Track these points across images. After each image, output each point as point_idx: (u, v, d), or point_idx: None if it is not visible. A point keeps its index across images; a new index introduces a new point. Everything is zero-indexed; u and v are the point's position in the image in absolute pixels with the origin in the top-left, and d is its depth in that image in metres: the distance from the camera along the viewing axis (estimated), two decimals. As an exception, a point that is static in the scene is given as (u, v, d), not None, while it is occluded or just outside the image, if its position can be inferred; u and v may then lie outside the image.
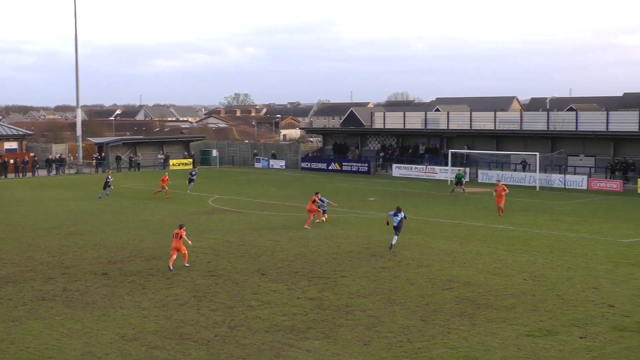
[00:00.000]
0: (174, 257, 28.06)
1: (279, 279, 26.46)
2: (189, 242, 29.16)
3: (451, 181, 57.23)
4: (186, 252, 28.65)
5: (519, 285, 25.36)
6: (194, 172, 57.69)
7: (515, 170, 66.92)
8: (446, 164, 67.19)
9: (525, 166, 66.84)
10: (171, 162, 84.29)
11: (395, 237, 32.14)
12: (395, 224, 32.13)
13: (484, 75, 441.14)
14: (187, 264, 28.52)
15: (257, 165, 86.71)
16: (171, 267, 27.83)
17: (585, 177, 60.55)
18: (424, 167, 70.67)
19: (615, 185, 58.15)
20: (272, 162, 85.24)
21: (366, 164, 75.83)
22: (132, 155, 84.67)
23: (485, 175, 65.16)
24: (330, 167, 78.49)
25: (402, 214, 32.29)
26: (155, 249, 32.42)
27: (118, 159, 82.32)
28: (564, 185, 60.27)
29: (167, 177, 54.56)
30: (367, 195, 54.39)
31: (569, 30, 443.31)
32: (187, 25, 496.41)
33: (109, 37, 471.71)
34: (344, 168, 76.99)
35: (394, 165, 73.91)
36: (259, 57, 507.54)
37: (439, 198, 52.40)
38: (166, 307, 22.77)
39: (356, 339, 19.49)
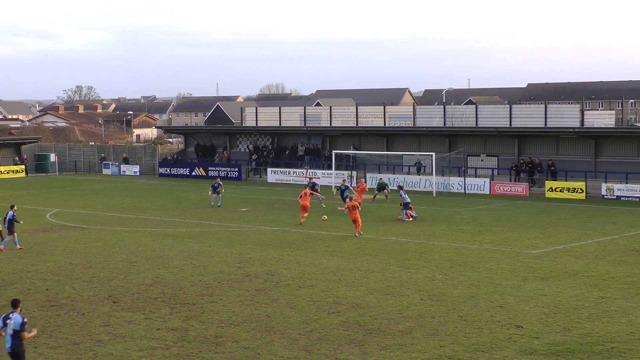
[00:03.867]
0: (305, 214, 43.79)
1: (134, 308, 26.02)
2: (321, 196, 48.71)
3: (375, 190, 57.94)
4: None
5: (416, 306, 25.86)
6: (216, 184, 54.54)
7: (408, 172, 68.29)
8: (330, 167, 67.88)
9: (420, 168, 68.32)
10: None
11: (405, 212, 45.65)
12: (408, 200, 45.89)
13: (370, 65, 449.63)
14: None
15: (105, 171, 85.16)
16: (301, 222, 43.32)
17: (487, 179, 62.44)
18: (305, 171, 71.18)
19: (520, 188, 60.21)
20: (123, 167, 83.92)
21: (236, 169, 75.71)
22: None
23: (375, 179, 66.16)
24: (194, 173, 77.98)
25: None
26: (-20, 276, 31.28)
27: None
28: (464, 189, 61.96)
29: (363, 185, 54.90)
30: (238, 205, 54.30)
31: (464, 12, 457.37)
32: (12, 2, 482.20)
33: None
34: (211, 173, 76.50)
35: (269, 170, 74.10)
36: (104, 42, 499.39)
37: (322, 207, 52.83)
38: (-5, 346, 21.98)
39: (228, 376, 19.38)
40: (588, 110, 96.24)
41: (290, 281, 29.78)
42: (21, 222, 39.58)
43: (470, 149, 67.52)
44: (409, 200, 46.53)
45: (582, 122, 66.32)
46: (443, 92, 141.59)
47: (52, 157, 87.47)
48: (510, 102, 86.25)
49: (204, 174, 77.01)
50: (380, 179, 61.07)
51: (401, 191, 47.18)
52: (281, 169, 73.44)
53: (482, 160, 67.73)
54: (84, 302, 26.90)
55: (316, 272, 31.32)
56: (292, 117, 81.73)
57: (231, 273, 31.37)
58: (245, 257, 34.79)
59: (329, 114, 79.44)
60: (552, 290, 27.81)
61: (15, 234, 37.62)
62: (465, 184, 62.37)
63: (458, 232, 41.71)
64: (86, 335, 22.99)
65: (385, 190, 56.36)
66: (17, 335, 18.04)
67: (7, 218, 37.54)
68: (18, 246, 37.34)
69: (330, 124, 77.79)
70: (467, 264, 32.82)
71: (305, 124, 78.77)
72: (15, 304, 18.63)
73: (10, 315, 18.30)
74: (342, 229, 42.77)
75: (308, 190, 46.93)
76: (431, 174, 62.97)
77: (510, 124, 67.83)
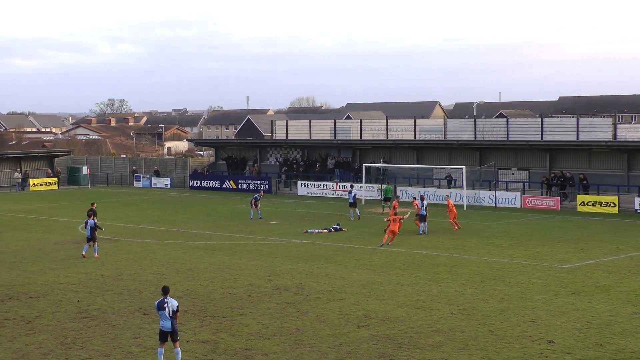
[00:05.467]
0: (387, 237, 40.73)
1: (164, 320, 26.06)
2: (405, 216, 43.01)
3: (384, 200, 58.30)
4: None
5: (446, 320, 25.74)
6: (258, 196, 55.14)
7: (439, 186, 68.09)
8: (360, 180, 67.83)
9: (450, 181, 68.11)
10: (31, 181, 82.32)
11: (424, 225, 45.33)
12: (424, 212, 45.14)
13: (401, 77, 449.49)
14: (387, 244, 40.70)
15: (136, 184, 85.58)
16: (384, 244, 40.65)
17: (519, 193, 62.12)
18: (335, 184, 71.17)
19: (552, 202, 59.85)
20: (154, 180, 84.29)
21: (266, 182, 75.84)
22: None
23: (405, 192, 66.06)
24: (224, 186, 78.17)
25: (426, 202, 45.99)
26: (11, 288, 31.54)
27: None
28: (495, 203, 61.69)
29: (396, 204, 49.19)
30: (268, 218, 54.35)
31: (495, 25, 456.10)
32: (48, 17, 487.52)
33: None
34: (241, 186, 76.79)
35: (299, 183, 74.18)
36: (137, 56, 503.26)
37: (352, 220, 52.78)
38: (26, 358, 22.13)
39: (258, 389, 19.36)
40: (621, 123, 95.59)
41: (319, 294, 29.75)
42: (103, 229, 40.58)
43: (501, 162, 67.24)
44: (424, 212, 46.05)
45: (615, 135, 65.76)
46: (474, 106, 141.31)
47: (84, 170, 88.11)
48: (542, 116, 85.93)
49: (234, 186, 77.22)
50: (388, 182, 61.15)
51: (420, 202, 46.43)
52: (311, 182, 73.52)
53: (513, 174, 67.41)
54: (115, 314, 27.03)
55: (346, 286, 31.27)
56: (322, 130, 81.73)
57: (261, 286, 31.39)
58: (275, 270, 34.81)
59: (359, 127, 79.32)
60: (584, 305, 27.58)
61: (97, 242, 38.80)
62: (496, 197, 62.12)
63: (489, 246, 41.50)
64: (117, 347, 23.08)
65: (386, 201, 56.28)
66: (174, 315, 20.82)
67: (90, 226, 38.36)
68: (96, 254, 38.45)
69: (361, 137, 77.71)
70: (498, 278, 32.64)
71: (335, 137, 78.78)
72: (166, 290, 21.13)
73: (166, 300, 20.83)
74: (372, 243, 42.68)
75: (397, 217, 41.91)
76: (462, 187, 62.76)
77: (542, 138, 67.42)
